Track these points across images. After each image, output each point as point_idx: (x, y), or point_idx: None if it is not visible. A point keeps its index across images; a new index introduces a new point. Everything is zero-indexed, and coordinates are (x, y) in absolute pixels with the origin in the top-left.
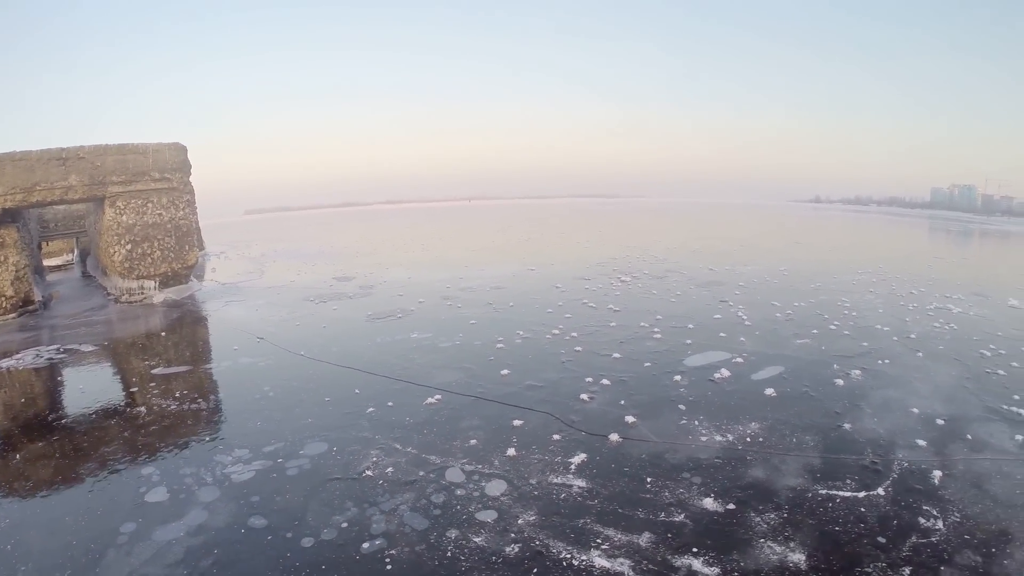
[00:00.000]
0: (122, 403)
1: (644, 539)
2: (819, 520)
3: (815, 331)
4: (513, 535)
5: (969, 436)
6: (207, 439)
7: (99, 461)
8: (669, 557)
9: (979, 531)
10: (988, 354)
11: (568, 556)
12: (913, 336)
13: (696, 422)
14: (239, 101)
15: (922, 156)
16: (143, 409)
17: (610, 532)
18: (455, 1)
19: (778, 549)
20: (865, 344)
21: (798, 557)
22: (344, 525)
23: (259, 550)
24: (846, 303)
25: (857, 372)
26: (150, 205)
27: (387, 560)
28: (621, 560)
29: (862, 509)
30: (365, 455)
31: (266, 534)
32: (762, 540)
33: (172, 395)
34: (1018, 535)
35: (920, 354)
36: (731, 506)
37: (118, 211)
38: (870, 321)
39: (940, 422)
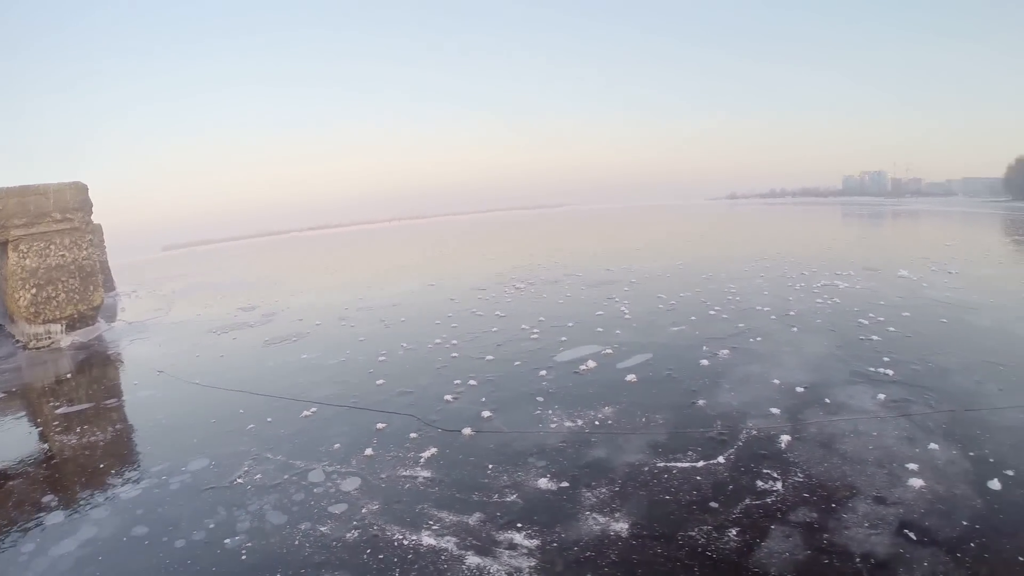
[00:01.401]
0: (26, 443)
1: (473, 519)
2: (650, 491)
3: (693, 318)
4: (355, 523)
5: (828, 400)
6: (101, 466)
7: (2, 496)
8: (494, 533)
9: (821, 489)
10: (866, 322)
11: (400, 537)
12: (792, 313)
13: (550, 411)
14: (157, 135)
15: (835, 147)
16: (46, 446)
17: (443, 514)
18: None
19: (602, 520)
20: (741, 325)
21: (621, 526)
22: (212, 526)
23: (137, 553)
24: (732, 289)
25: (725, 352)
26: (53, 247)
27: (243, 552)
28: (448, 538)
29: (698, 478)
30: (239, 465)
31: (145, 540)
32: (588, 513)
33: (73, 431)
34: (863, 488)
35: (795, 329)
36: (564, 484)
37: (21, 255)
38: (752, 303)
39: (800, 390)
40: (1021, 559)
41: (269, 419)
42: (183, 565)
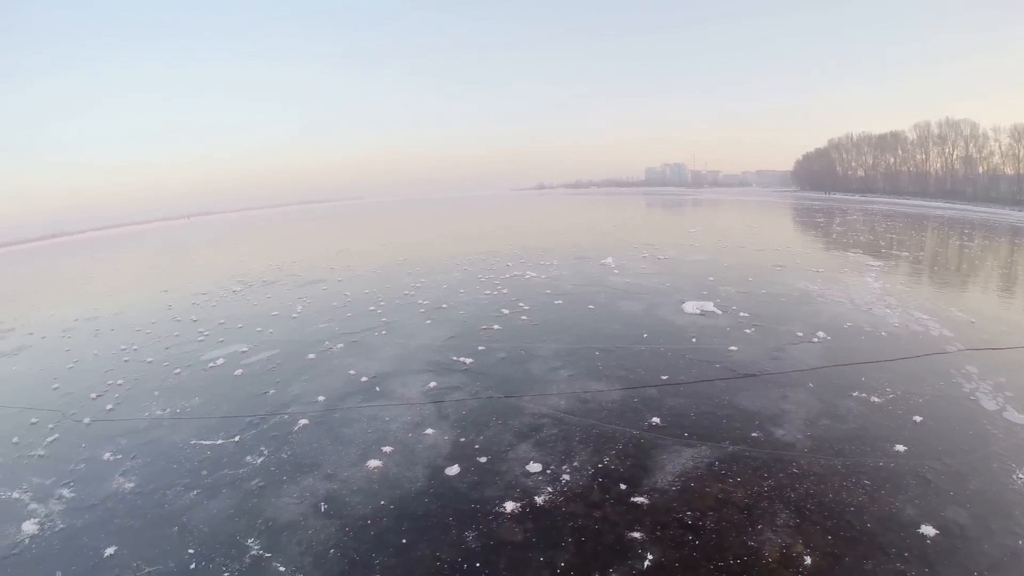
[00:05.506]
0: None
1: (52, 481)
2: (168, 461)
3: (349, 314)
4: None
5: (378, 389)
6: None
7: None
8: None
9: (288, 464)
10: (507, 312)
11: None
12: (445, 306)
13: (154, 403)
14: None
15: (639, 141)
16: None
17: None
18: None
19: (121, 480)
20: (384, 319)
21: (129, 485)
22: None
23: None
24: (420, 284)
25: (340, 346)
26: None
27: None
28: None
29: (208, 452)
30: None
31: None
32: (115, 477)
33: None
34: (324, 466)
35: (429, 322)
36: (118, 457)
37: None
38: (418, 298)
39: (364, 379)
40: (403, 541)
41: None
42: None
